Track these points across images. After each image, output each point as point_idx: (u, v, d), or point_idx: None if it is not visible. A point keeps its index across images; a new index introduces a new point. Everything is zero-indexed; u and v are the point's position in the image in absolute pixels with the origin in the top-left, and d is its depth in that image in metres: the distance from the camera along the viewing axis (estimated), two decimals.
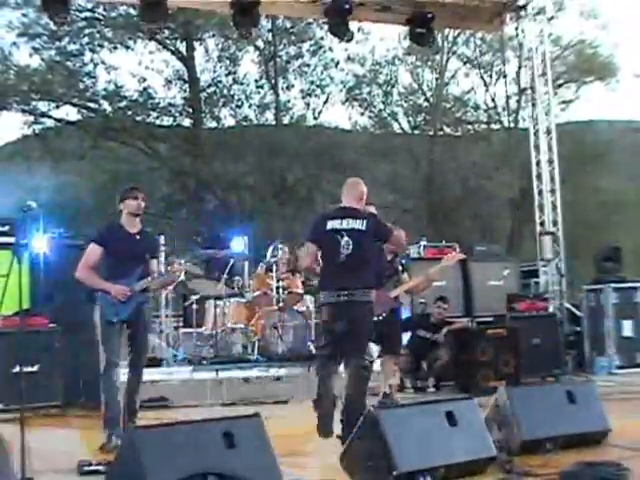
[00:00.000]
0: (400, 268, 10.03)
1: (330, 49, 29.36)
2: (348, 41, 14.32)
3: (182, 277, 10.18)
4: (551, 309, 13.43)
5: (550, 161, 14.77)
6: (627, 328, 13.40)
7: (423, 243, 13.33)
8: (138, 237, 7.87)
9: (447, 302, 12.08)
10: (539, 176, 14.73)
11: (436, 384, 11.52)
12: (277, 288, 12.03)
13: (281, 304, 11.96)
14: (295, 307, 12.14)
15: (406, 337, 11.53)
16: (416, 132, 32.36)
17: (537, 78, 15.28)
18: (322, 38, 28.56)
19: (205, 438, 5.01)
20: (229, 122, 30.48)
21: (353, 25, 14.39)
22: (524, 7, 15.12)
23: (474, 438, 5.62)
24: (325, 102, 30.99)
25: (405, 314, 11.46)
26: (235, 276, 13.00)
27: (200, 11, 22.32)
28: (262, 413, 5.51)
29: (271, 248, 12.53)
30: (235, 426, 5.14)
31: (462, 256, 10.36)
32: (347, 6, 13.57)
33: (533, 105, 15.34)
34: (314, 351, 11.74)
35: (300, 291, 12.42)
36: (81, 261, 7.73)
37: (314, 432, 7.28)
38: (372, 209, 8.68)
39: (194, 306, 12.89)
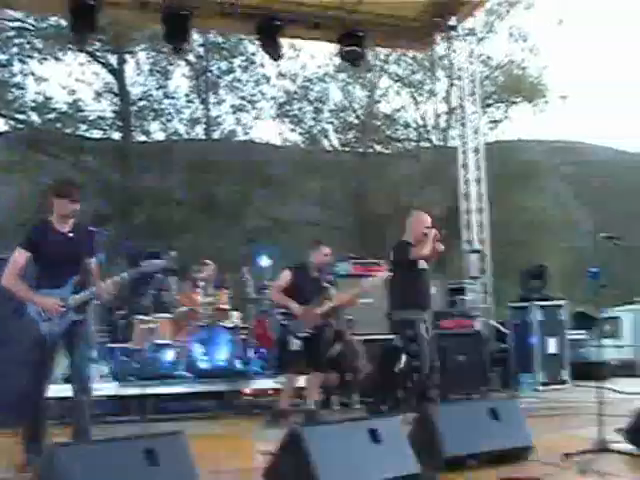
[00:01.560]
0: (327, 284, 10.06)
1: (262, 65, 29.42)
2: (277, 58, 14.33)
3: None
4: (477, 326, 13.53)
5: (478, 180, 14.94)
6: (552, 345, 13.58)
7: (351, 260, 13.33)
8: (72, 235, 7.05)
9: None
10: (467, 195, 14.88)
11: (362, 400, 11.53)
12: (204, 304, 11.99)
13: (208, 320, 11.91)
14: (222, 323, 12.10)
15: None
16: (346, 149, 32.47)
17: (466, 97, 15.45)
18: (254, 54, 28.61)
19: (126, 456, 4.95)
20: (159, 136, 30.35)
21: (285, 42, 14.43)
22: (454, 27, 15.30)
23: (397, 455, 5.63)
24: (256, 118, 31.05)
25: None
26: (163, 292, 12.92)
27: (132, 24, 22.24)
28: (188, 429, 5.47)
29: (196, 264, 12.50)
30: (157, 443, 5.09)
31: (388, 273, 10.41)
32: (278, 23, 13.63)
33: (462, 124, 15.50)
34: (240, 367, 11.75)
35: (227, 307, 12.39)
36: (7, 268, 6.92)
37: (239, 449, 7.25)
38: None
39: (121, 321, 12.78)
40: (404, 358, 12.61)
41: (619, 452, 6.76)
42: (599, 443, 6.74)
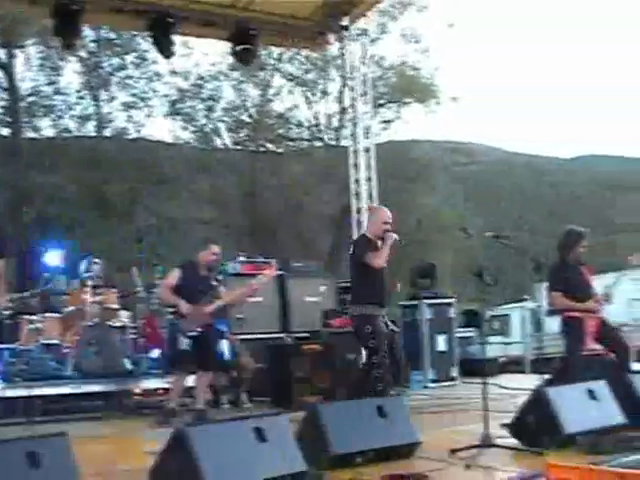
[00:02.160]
0: (216, 283, 10.02)
1: (154, 62, 29.20)
2: (169, 56, 14.19)
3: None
4: None
5: (369, 179, 15.01)
6: (441, 343, 13.76)
7: (241, 259, 13.30)
8: None
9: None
10: (357, 194, 14.95)
11: (251, 399, 11.51)
12: (92, 303, 11.84)
13: (96, 319, 11.76)
14: (110, 322, 11.96)
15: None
16: (238, 148, 32.45)
17: (358, 98, 15.51)
18: (146, 50, 28.36)
19: (7, 458, 4.84)
20: (49, 133, 29.89)
21: (177, 39, 14.32)
22: (347, 28, 15.34)
23: (284, 453, 5.62)
24: (148, 115, 30.81)
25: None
26: (49, 291, 12.71)
27: (22, 18, 21.83)
28: (77, 431, 5.39)
29: (84, 262, 12.34)
30: (39, 446, 4.97)
31: (278, 272, 10.44)
32: (170, 20, 13.49)
33: (353, 124, 15.55)
34: (129, 367, 11.64)
35: (115, 306, 12.25)
36: None
37: (127, 449, 7.17)
38: None
39: (8, 321, 12.51)
40: (364, 354, 12.79)
41: (504, 447, 6.88)
42: (485, 438, 6.84)
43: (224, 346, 10.82)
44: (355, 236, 14.84)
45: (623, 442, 6.81)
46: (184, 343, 9.63)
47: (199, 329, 9.58)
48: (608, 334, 9.27)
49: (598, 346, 9.41)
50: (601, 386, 7.48)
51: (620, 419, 7.36)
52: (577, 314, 9.06)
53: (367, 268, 8.77)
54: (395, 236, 8.88)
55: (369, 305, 8.82)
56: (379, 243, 8.95)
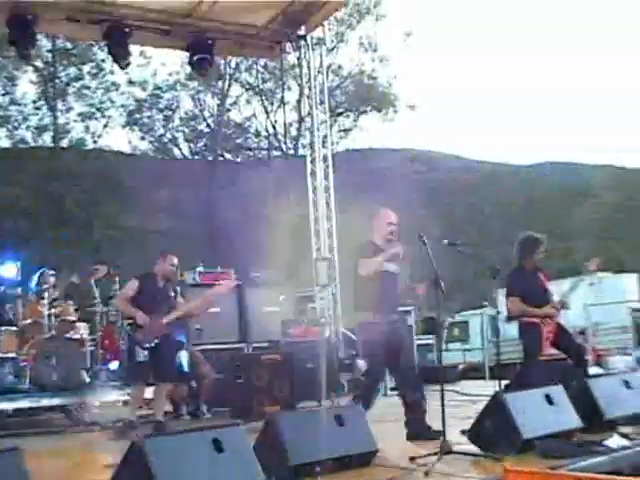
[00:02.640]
0: (173, 294, 9.98)
1: (111, 72, 29.13)
2: (125, 66, 14.12)
3: None
4: (327, 334, 13.61)
5: (326, 188, 15.00)
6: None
7: (199, 269, 13.24)
8: None
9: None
10: (315, 203, 14.94)
11: (211, 410, 11.46)
12: (49, 316, 11.74)
13: (53, 332, 11.66)
14: (68, 335, 11.86)
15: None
16: (197, 157, 32.39)
17: (315, 107, 15.51)
18: (103, 60, 28.27)
19: None
20: (5, 143, 29.66)
21: (135, 49, 14.25)
22: (304, 37, 15.34)
23: (241, 464, 5.59)
24: (105, 125, 30.66)
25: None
26: (6, 304, 12.56)
27: None
28: (34, 445, 5.33)
29: (37, 274, 12.24)
30: None
31: (236, 282, 10.40)
32: (126, 29, 13.42)
33: (311, 133, 15.55)
34: (87, 379, 11.55)
35: (73, 318, 12.14)
36: None
37: (85, 463, 7.11)
38: None
39: None
40: (361, 363, 12.72)
41: (463, 453, 6.90)
42: (444, 445, 6.86)
43: (183, 357, 10.78)
44: (314, 244, 14.86)
45: (580, 446, 6.87)
46: (142, 354, 9.56)
47: (156, 340, 9.52)
48: (565, 339, 9.33)
49: (555, 351, 9.48)
50: (558, 391, 7.53)
51: (577, 423, 7.41)
52: (534, 319, 9.12)
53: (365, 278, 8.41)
54: (398, 249, 8.57)
55: (365, 312, 8.51)
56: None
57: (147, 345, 9.52)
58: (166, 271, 9.98)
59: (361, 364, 13.12)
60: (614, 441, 7.01)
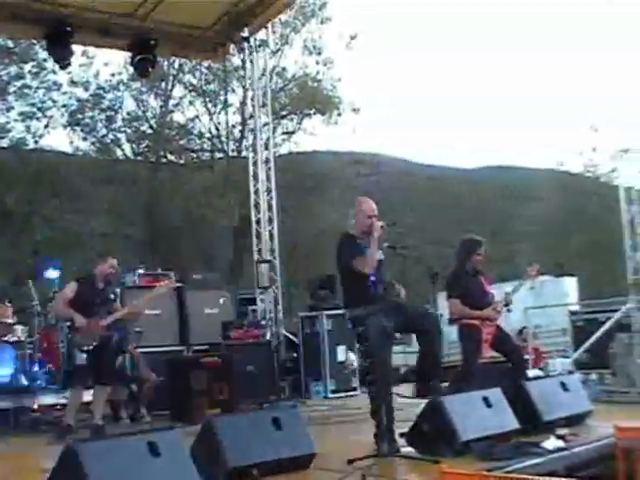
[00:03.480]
0: (113, 296, 9.90)
1: (53, 71, 28.69)
2: (65, 66, 13.98)
3: None
4: (267, 336, 13.59)
5: (268, 190, 15.00)
6: (341, 353, 13.77)
7: (140, 271, 13.14)
8: None
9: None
10: (257, 205, 14.93)
11: (151, 413, 11.36)
12: None
13: None
14: (5, 338, 11.70)
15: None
16: (139, 159, 32.17)
17: (258, 109, 15.50)
18: (45, 59, 27.83)
19: None
20: None
21: (78, 49, 14.10)
22: (247, 39, 15.32)
23: (177, 468, 5.55)
24: (46, 125, 30.30)
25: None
26: None
27: None
28: None
29: None
30: None
31: (175, 284, 10.35)
32: (68, 29, 13.26)
33: (253, 135, 15.54)
34: (26, 382, 11.40)
35: (10, 321, 11.98)
36: None
37: (23, 467, 7.03)
38: None
39: None
40: (352, 357, 12.63)
41: (401, 456, 6.92)
42: (382, 448, 6.87)
43: (123, 360, 10.69)
44: (255, 247, 14.83)
45: (517, 448, 6.92)
46: (80, 357, 9.47)
47: (95, 343, 9.44)
48: (504, 341, 9.37)
49: (494, 353, 9.53)
50: (496, 393, 7.58)
51: (515, 425, 7.46)
52: (474, 322, 9.14)
53: (355, 272, 7.81)
54: (380, 224, 7.84)
55: (361, 307, 8.10)
56: (366, 239, 7.90)
57: (86, 348, 9.43)
58: (105, 273, 9.90)
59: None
60: (550, 443, 7.06)
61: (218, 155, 32.53)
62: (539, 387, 8.26)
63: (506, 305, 9.51)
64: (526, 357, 13.92)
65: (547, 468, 6.42)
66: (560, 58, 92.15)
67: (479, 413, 7.29)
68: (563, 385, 8.44)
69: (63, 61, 13.75)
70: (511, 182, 51.11)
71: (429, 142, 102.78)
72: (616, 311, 11.74)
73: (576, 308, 15.83)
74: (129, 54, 14.58)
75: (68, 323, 10.10)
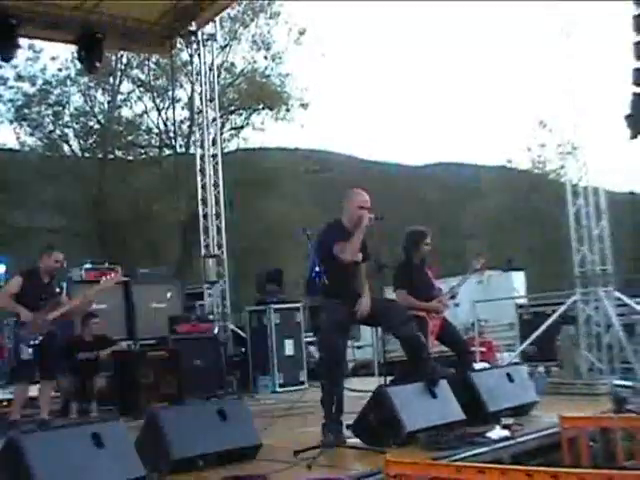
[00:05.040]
0: (58, 290, 9.82)
1: None
2: (8, 59, 13.82)
3: None
4: (215, 331, 13.56)
5: (215, 185, 14.98)
6: (289, 347, 13.78)
7: (86, 265, 13.05)
8: None
9: (96, 316, 11.70)
10: (204, 200, 14.91)
11: (99, 407, 11.27)
12: None
13: None
14: None
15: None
16: (87, 154, 31.93)
17: (206, 103, 15.46)
18: None
19: None
20: None
21: (24, 43, 13.93)
22: (195, 33, 15.27)
23: (122, 459, 5.54)
24: None
25: None
26: None
27: None
28: None
29: None
30: None
31: (121, 277, 10.30)
32: (14, 21, 13.08)
33: (201, 130, 15.51)
34: None
35: None
36: None
37: None
38: None
39: None
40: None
41: (347, 446, 6.96)
42: (327, 439, 6.91)
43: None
44: (202, 241, 14.81)
45: (463, 438, 6.98)
46: (26, 352, 9.38)
47: (41, 337, 9.36)
48: (450, 334, 9.43)
49: (441, 347, 9.58)
50: (442, 384, 7.63)
51: (460, 416, 7.53)
52: (421, 313, 9.15)
53: (330, 260, 7.58)
54: (368, 217, 7.73)
55: (321, 296, 7.83)
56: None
57: (32, 342, 9.35)
58: (50, 267, 9.82)
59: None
60: (496, 433, 7.15)
61: (166, 151, 32.41)
62: (485, 378, 8.34)
63: (452, 298, 9.59)
64: (477, 350, 14.09)
65: (492, 457, 6.49)
66: (509, 53, 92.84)
67: (424, 404, 7.35)
68: (509, 376, 8.54)
69: (8, 55, 13.58)
70: (460, 179, 51.47)
71: (379, 138, 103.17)
72: (563, 304, 11.85)
73: (523, 301, 15.97)
74: (76, 48, 14.42)
75: (15, 318, 10.01)
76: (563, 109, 11.45)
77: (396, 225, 9.71)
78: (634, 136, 10.20)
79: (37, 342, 9.37)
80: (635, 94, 10.09)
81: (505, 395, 8.25)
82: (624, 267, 22.25)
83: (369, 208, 7.87)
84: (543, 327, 12.04)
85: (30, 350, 9.37)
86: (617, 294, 11.15)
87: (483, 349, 15.71)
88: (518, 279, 25.02)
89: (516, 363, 11.01)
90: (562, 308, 11.78)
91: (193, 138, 27.01)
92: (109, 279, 10.07)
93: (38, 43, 24.41)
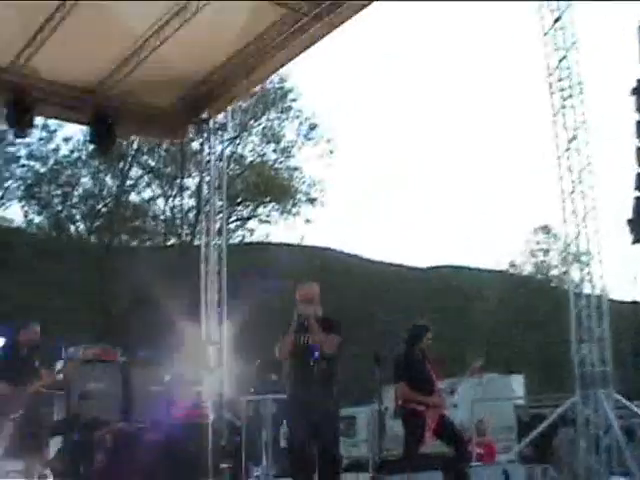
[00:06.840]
0: (37, 363, 9.79)
1: (12, 144, 28.70)
2: (24, 136, 13.98)
3: None
4: (211, 418, 13.43)
5: (219, 273, 14.99)
6: (284, 438, 13.62)
7: (84, 345, 13.06)
8: None
9: (94, 397, 11.60)
10: (206, 288, 14.94)
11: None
12: None
13: None
14: None
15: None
16: (92, 237, 32.05)
17: (214, 191, 15.54)
18: (4, 131, 27.87)
19: None
20: None
21: (38, 121, 14.10)
22: (207, 121, 15.42)
23: None
24: (1, 197, 30.20)
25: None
26: None
27: None
28: None
29: None
30: None
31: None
32: (29, 99, 13.27)
33: (207, 219, 15.56)
34: None
35: None
36: None
37: None
38: None
39: None
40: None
41: None
42: None
43: None
44: (203, 328, 14.81)
45: None
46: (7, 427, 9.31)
47: (21, 411, 9.29)
48: (448, 429, 9.34)
49: (438, 441, 9.48)
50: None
51: None
52: (419, 407, 9.08)
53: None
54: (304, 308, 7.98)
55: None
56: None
57: (12, 417, 9.27)
58: (28, 339, 9.81)
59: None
60: None
61: (172, 238, 32.52)
62: (482, 475, 8.27)
63: (451, 393, 9.54)
64: (477, 452, 13.89)
65: None
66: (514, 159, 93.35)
67: None
68: (505, 472, 8.46)
69: (23, 132, 13.75)
70: (461, 283, 51.37)
71: (381, 239, 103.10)
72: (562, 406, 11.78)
73: (522, 403, 15.84)
74: (90, 130, 14.58)
75: None
76: (567, 215, 11.55)
77: (400, 327, 9.74)
78: (636, 240, 10.24)
79: (17, 417, 9.30)
80: (637, 198, 10.16)
81: None
82: (624, 370, 22.14)
83: (310, 300, 8.06)
84: (541, 427, 11.94)
85: (10, 424, 9.28)
86: (617, 396, 11.09)
87: (480, 451, 15.39)
88: (517, 382, 24.83)
89: (511, 461, 10.92)
90: (561, 408, 11.70)
91: (199, 227, 27.24)
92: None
93: (52, 123, 24.68)
